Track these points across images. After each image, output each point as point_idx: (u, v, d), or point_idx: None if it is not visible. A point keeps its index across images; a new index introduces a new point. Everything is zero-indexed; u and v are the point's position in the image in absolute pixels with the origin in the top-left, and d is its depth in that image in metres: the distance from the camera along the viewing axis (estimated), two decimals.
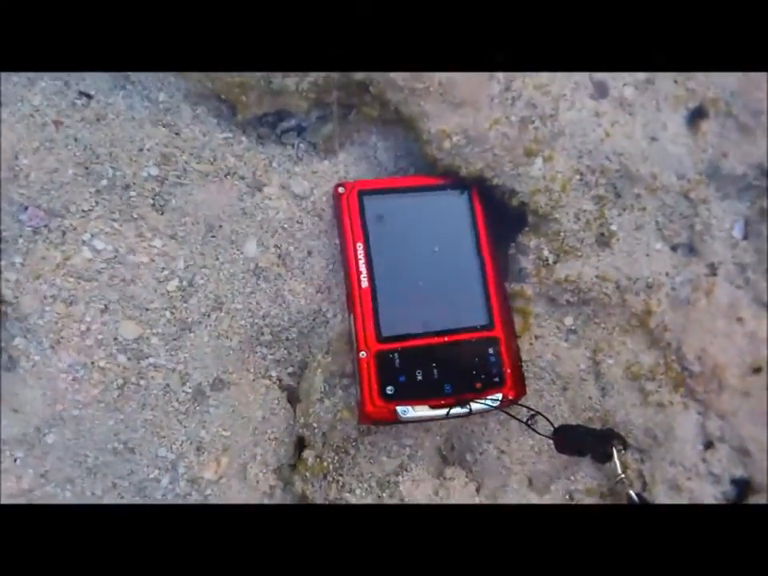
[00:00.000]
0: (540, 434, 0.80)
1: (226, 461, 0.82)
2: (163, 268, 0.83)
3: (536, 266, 0.86)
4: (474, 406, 0.77)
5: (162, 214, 0.84)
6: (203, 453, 0.81)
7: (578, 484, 0.83)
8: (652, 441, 0.83)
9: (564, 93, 0.85)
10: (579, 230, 0.85)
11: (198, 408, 0.82)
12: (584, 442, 0.80)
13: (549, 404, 0.85)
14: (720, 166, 0.87)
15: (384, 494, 0.81)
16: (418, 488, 0.81)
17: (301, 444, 0.84)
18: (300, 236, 0.87)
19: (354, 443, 0.82)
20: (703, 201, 0.87)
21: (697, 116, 0.87)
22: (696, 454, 0.83)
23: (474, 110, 0.83)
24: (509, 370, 0.80)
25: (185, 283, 0.84)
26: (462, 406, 0.77)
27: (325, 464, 0.82)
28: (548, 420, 0.79)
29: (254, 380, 0.85)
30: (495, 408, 0.77)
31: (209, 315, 0.84)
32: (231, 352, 0.84)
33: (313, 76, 0.82)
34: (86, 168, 0.83)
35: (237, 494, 0.82)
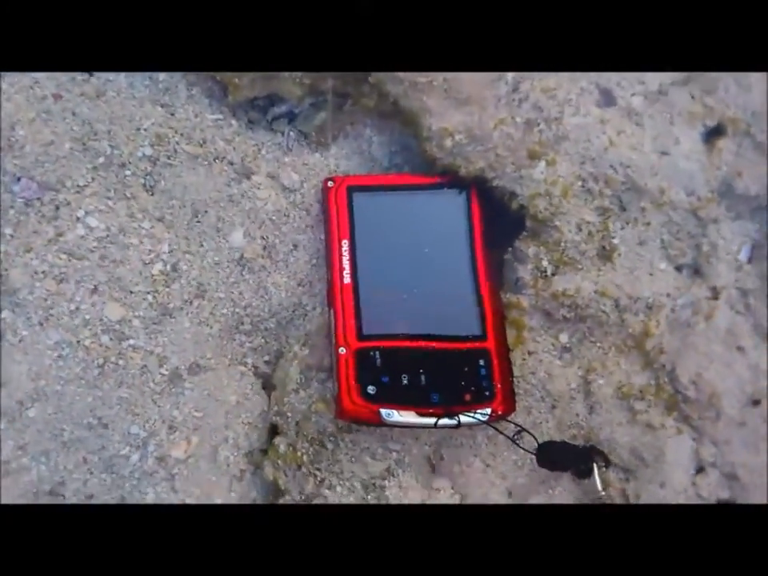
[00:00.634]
0: (524, 449, 0.78)
1: (197, 440, 0.82)
2: (150, 250, 0.83)
3: (533, 277, 0.83)
4: (463, 418, 0.75)
5: (152, 194, 0.84)
6: (175, 432, 0.81)
7: (555, 498, 0.82)
8: (638, 461, 0.81)
9: (570, 98, 0.83)
10: (581, 242, 0.83)
11: (173, 390, 0.82)
12: (565, 457, 0.79)
13: (536, 420, 0.83)
14: (733, 185, 0.84)
15: (369, 497, 0.80)
16: (407, 495, 0.80)
17: (273, 431, 0.84)
18: (286, 229, 0.87)
19: (331, 438, 0.81)
20: (714, 220, 0.84)
21: (714, 134, 0.85)
22: (687, 478, 0.81)
23: (479, 108, 0.81)
24: (499, 385, 0.77)
25: (168, 267, 0.84)
26: (451, 417, 0.75)
27: (299, 454, 0.81)
28: (533, 436, 0.78)
29: (229, 365, 0.85)
30: (483, 422, 0.75)
31: (191, 302, 0.84)
32: (210, 339, 0.84)
33: None
34: (84, 144, 0.83)
35: (205, 474, 0.81)
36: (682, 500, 0.80)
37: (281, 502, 0.81)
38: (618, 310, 0.82)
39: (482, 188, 0.83)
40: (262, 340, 0.87)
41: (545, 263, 0.83)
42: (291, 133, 0.89)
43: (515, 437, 0.78)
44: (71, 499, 0.80)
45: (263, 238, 0.86)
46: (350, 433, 0.81)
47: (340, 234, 0.80)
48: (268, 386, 0.86)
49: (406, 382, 0.76)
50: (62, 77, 0.84)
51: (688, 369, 0.81)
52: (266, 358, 0.87)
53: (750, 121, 0.84)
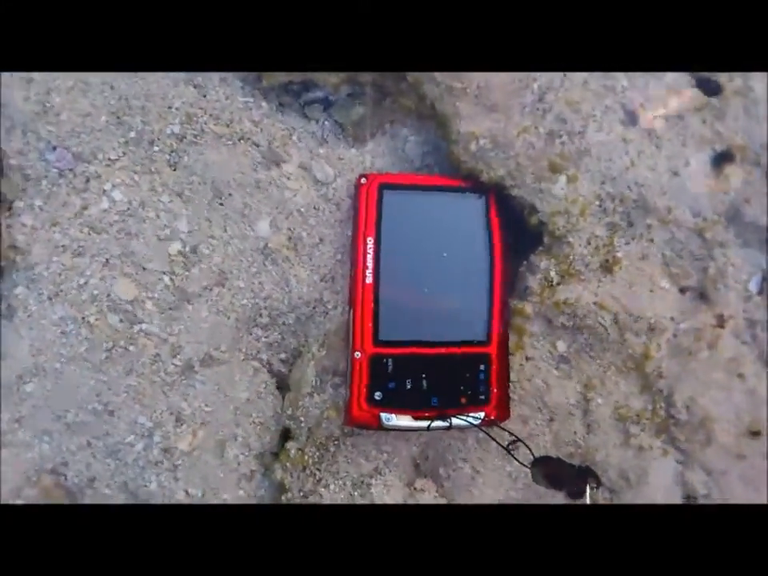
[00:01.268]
0: (519, 461, 0.79)
1: (203, 434, 0.81)
2: (165, 225, 0.82)
3: (541, 286, 0.84)
4: (455, 420, 0.76)
5: (174, 170, 0.83)
6: (182, 425, 0.81)
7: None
8: (624, 482, 0.82)
9: (594, 113, 0.84)
10: (587, 255, 0.84)
11: (184, 381, 0.81)
12: (562, 476, 0.80)
13: (533, 432, 0.83)
14: (742, 211, 0.85)
15: (356, 494, 0.80)
16: (389, 493, 0.81)
17: (286, 434, 0.84)
18: (314, 222, 0.86)
19: (336, 442, 0.82)
20: (720, 244, 0.85)
21: (722, 159, 0.86)
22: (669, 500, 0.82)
23: (505, 115, 0.82)
24: (495, 390, 0.78)
25: (187, 249, 0.82)
26: (444, 419, 0.76)
27: (306, 458, 0.81)
28: (529, 449, 0.78)
29: (243, 360, 0.84)
30: (475, 426, 0.76)
31: (211, 289, 0.83)
32: (227, 330, 0.83)
33: None
34: (118, 117, 0.82)
35: (211, 469, 0.81)
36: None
37: (282, 498, 0.81)
38: (617, 326, 0.83)
39: (502, 195, 0.84)
40: (279, 336, 0.86)
41: (552, 274, 0.84)
42: (327, 122, 0.88)
43: (510, 447, 0.78)
44: (72, 480, 0.79)
45: (290, 230, 0.85)
46: (351, 436, 0.82)
47: (366, 231, 0.80)
48: (283, 386, 0.85)
49: (409, 386, 0.77)
50: None
51: (683, 393, 0.82)
52: (283, 356, 0.86)
53: (759, 150, 0.85)
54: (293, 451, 0.81)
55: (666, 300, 0.84)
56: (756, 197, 0.86)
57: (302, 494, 0.80)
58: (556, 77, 0.83)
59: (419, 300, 0.80)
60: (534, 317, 0.84)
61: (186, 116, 0.84)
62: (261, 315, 0.84)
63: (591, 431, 0.83)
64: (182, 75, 0.85)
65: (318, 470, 0.81)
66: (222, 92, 0.86)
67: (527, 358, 0.84)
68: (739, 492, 0.81)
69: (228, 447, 0.82)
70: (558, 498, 0.82)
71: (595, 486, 0.80)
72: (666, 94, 0.85)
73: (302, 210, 0.85)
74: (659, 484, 0.82)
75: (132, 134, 0.82)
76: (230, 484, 0.81)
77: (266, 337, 0.85)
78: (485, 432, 0.77)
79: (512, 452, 0.78)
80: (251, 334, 0.85)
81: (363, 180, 0.82)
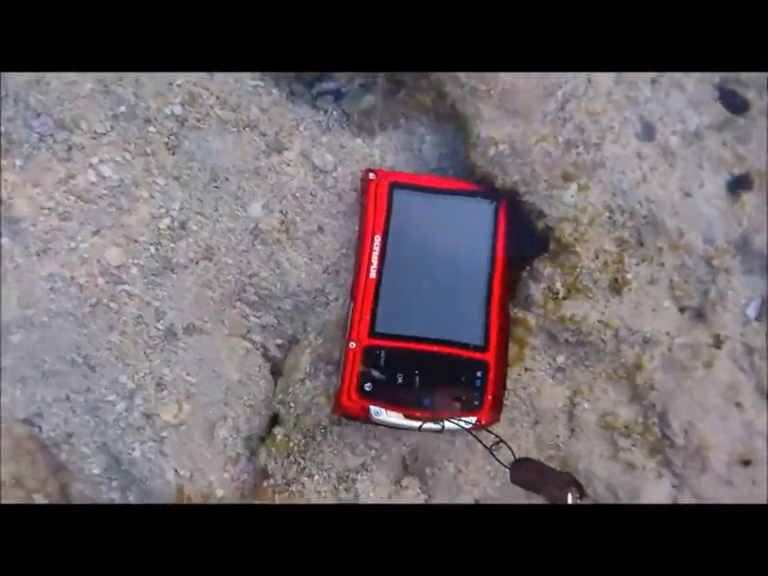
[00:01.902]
0: (499, 461, 0.77)
1: (189, 408, 0.81)
2: (160, 206, 0.81)
3: (545, 297, 0.83)
4: (447, 424, 0.75)
5: (173, 154, 0.82)
6: (163, 390, 0.80)
7: None
8: (612, 497, 0.81)
9: (612, 125, 0.82)
10: (596, 270, 0.82)
11: (166, 346, 0.81)
12: (540, 479, 0.78)
13: (517, 433, 0.83)
14: (751, 240, 0.84)
15: (340, 488, 0.80)
16: (374, 490, 0.80)
17: (275, 420, 0.83)
18: (311, 208, 0.85)
19: (323, 430, 0.81)
20: (725, 270, 0.84)
21: (739, 184, 0.84)
22: None
23: (525, 121, 0.81)
24: (490, 397, 0.77)
25: (176, 224, 0.82)
26: (436, 422, 0.75)
27: (291, 444, 0.81)
28: (510, 450, 0.77)
29: (228, 335, 0.84)
30: (465, 429, 0.75)
31: (197, 263, 0.82)
32: (211, 302, 0.83)
33: None
34: (106, 86, 0.80)
35: (198, 448, 0.81)
36: None
37: (264, 484, 0.80)
38: (616, 339, 0.82)
39: (513, 202, 0.82)
40: (275, 320, 0.85)
41: (558, 285, 0.82)
42: (334, 112, 0.87)
43: (493, 447, 0.77)
44: (49, 433, 0.79)
45: (282, 213, 0.84)
46: (338, 426, 0.81)
47: (374, 229, 0.80)
48: (276, 371, 0.85)
49: (400, 381, 0.76)
50: None
51: (680, 415, 0.81)
52: (279, 341, 0.86)
53: None
54: (279, 437, 0.81)
55: (665, 317, 0.83)
56: (766, 226, 0.84)
57: (284, 480, 0.80)
58: (581, 84, 0.82)
59: (420, 298, 0.80)
60: (536, 329, 0.83)
61: (189, 95, 0.82)
62: (245, 291, 0.84)
63: (574, 435, 0.83)
64: None
65: (303, 458, 0.81)
66: (231, 74, 0.84)
67: (526, 369, 0.83)
68: None
69: (218, 427, 0.81)
70: (536, 499, 0.80)
71: (578, 495, 0.78)
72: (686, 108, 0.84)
73: (297, 194, 0.84)
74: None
75: (122, 108, 0.81)
76: (217, 466, 0.81)
77: (256, 317, 0.85)
78: (471, 433, 0.76)
79: (494, 452, 0.77)
80: (235, 308, 0.84)
81: (372, 175, 0.81)
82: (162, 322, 0.81)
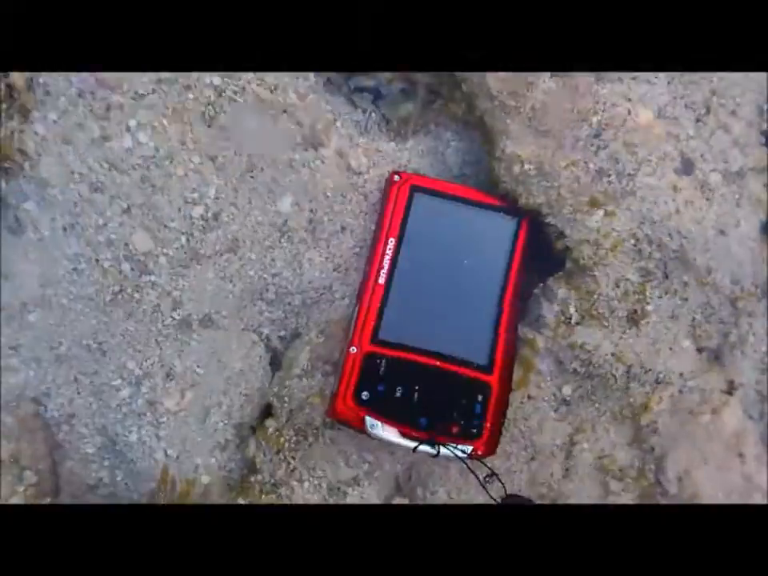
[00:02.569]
0: (490, 495, 0.76)
1: (191, 397, 0.81)
2: (194, 189, 0.80)
3: (557, 320, 0.81)
4: (443, 450, 0.74)
5: (209, 126, 0.81)
6: (171, 380, 0.81)
7: None
8: None
9: (650, 158, 0.80)
10: (614, 299, 0.81)
11: (180, 336, 0.81)
12: None
13: (511, 468, 0.81)
14: None
15: (330, 500, 0.80)
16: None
17: (267, 411, 0.83)
18: (338, 209, 0.84)
19: (315, 431, 0.81)
20: (749, 314, 0.82)
21: None
22: None
23: (556, 143, 0.79)
24: (489, 425, 0.76)
25: (210, 214, 0.81)
26: (432, 446, 0.74)
27: (282, 440, 0.81)
28: (503, 485, 0.77)
29: (243, 330, 0.84)
30: (460, 458, 0.74)
31: (221, 254, 0.82)
32: (231, 296, 0.83)
33: None
34: None
35: (191, 432, 0.81)
36: None
37: (252, 479, 0.81)
38: (627, 376, 0.80)
39: (535, 222, 0.81)
40: (282, 314, 0.85)
41: (572, 310, 0.81)
42: (373, 114, 0.86)
43: (486, 479, 0.77)
44: (52, 412, 0.80)
45: (311, 212, 0.83)
46: (331, 429, 0.81)
47: (390, 231, 0.78)
48: (275, 362, 0.85)
49: (398, 395, 0.75)
50: None
51: (678, 461, 0.80)
52: (282, 333, 0.86)
53: None
54: (270, 429, 0.81)
55: (681, 357, 0.82)
56: None
57: (273, 480, 0.80)
58: (619, 114, 0.80)
59: (427, 309, 0.78)
60: (544, 353, 0.82)
61: None
62: (267, 290, 0.84)
63: (568, 475, 0.81)
64: None
65: (293, 457, 0.80)
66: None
67: (529, 397, 0.82)
68: None
69: (212, 413, 0.82)
70: None
71: None
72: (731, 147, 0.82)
73: (329, 194, 0.83)
74: None
75: (166, 73, 0.80)
76: (205, 450, 0.82)
77: (269, 312, 0.85)
78: (465, 463, 0.75)
79: (486, 484, 0.76)
80: (255, 306, 0.84)
81: (396, 177, 0.80)
82: (178, 311, 0.81)
